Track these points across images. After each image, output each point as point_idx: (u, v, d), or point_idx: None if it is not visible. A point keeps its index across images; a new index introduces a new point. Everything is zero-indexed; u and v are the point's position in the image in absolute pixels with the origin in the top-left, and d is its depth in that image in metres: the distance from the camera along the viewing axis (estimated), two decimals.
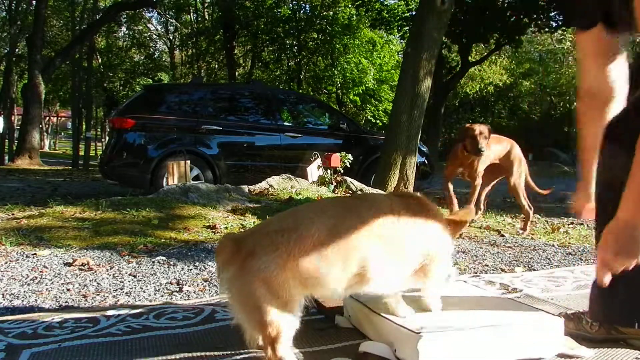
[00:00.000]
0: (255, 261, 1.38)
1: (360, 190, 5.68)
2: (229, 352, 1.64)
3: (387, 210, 1.55)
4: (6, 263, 2.76)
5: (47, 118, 33.12)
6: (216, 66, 22.82)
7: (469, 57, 16.85)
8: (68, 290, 2.37)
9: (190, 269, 2.79)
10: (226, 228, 3.78)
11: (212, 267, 2.85)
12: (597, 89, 1.62)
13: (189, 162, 5.82)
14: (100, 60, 23.49)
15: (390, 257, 1.50)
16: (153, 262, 2.89)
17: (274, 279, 1.37)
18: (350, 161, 6.15)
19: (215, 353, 1.63)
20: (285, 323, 1.40)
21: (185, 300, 2.28)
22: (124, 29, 25.34)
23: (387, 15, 16.83)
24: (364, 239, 1.46)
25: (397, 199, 1.63)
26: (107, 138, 9.31)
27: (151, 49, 26.37)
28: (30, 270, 2.65)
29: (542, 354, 1.62)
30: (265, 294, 1.38)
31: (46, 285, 2.43)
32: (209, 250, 3.19)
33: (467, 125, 4.34)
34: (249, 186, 5.24)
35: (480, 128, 4.17)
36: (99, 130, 32.29)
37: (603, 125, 1.61)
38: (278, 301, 1.39)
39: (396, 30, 17.51)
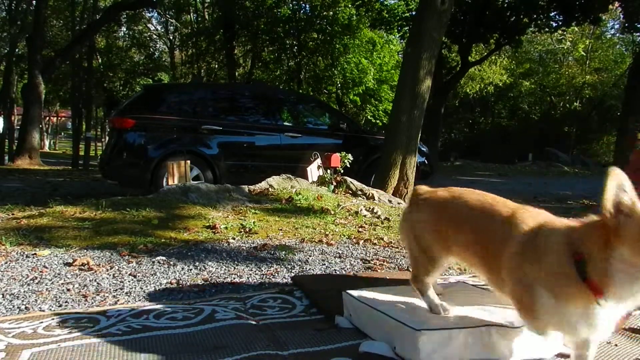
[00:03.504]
0: (414, 214, 1.87)
1: (361, 190, 5.66)
2: (229, 352, 1.64)
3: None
4: (6, 263, 2.75)
5: (47, 118, 33.05)
6: (216, 66, 22.78)
7: (469, 57, 16.82)
8: (68, 290, 2.37)
9: (190, 269, 2.78)
10: (226, 228, 3.77)
11: (212, 267, 2.84)
12: None
13: (189, 162, 5.81)
14: (100, 60, 23.46)
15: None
16: (153, 262, 2.88)
17: (422, 234, 1.81)
18: (350, 161, 6.13)
19: (215, 353, 1.63)
20: (423, 266, 1.81)
21: (185, 300, 2.28)
22: (124, 29, 25.33)
23: (387, 15, 16.81)
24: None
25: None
26: (107, 138, 9.29)
27: (151, 49, 26.31)
28: (30, 270, 2.65)
29: (542, 354, 1.62)
30: (412, 238, 1.86)
31: (46, 285, 2.43)
32: (209, 250, 3.18)
33: None
34: (249, 186, 5.23)
35: None
36: (99, 130, 32.26)
37: None
38: (419, 249, 1.82)
39: (396, 30, 17.48)
